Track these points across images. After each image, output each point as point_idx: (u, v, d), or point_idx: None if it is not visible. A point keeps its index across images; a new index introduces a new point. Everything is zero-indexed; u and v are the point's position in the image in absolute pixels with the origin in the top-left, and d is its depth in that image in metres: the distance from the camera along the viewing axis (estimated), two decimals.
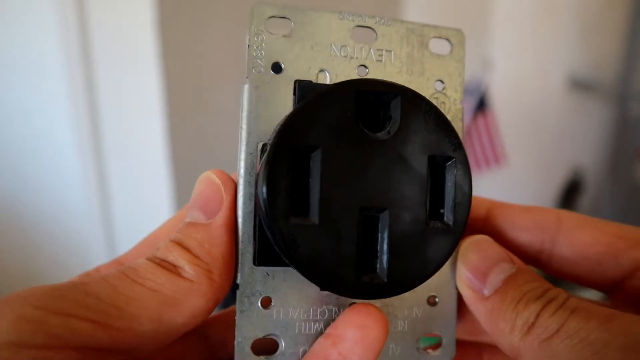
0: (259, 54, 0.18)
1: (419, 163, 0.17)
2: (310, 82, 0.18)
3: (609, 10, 1.74)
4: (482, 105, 1.12)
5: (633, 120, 1.80)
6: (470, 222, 0.20)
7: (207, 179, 0.18)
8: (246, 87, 0.18)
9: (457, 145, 0.18)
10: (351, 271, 0.16)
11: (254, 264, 0.17)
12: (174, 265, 0.16)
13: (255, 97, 0.18)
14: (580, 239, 0.19)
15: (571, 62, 1.60)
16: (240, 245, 0.17)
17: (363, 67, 0.19)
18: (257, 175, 0.17)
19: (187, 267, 0.16)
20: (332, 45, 0.19)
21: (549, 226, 0.20)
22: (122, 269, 0.16)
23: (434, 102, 0.18)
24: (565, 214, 0.20)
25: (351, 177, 0.16)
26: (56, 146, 0.72)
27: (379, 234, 0.17)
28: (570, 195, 1.75)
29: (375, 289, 0.16)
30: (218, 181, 0.18)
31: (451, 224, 0.17)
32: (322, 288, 0.17)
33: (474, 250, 0.18)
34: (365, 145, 0.16)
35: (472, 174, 0.18)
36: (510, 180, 1.37)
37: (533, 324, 0.16)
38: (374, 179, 0.16)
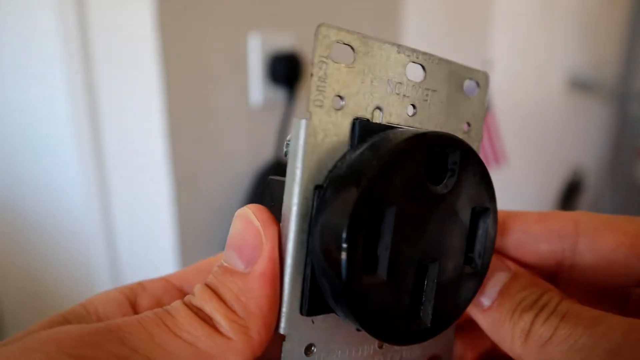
0: (321, 86, 0.16)
1: (465, 215, 0.18)
2: (368, 121, 0.17)
3: (609, 10, 1.74)
4: None
5: (633, 120, 1.80)
6: None
7: (245, 219, 0.17)
8: (304, 122, 0.16)
9: (492, 196, 0.18)
10: (404, 321, 0.17)
11: (301, 313, 0.17)
12: (210, 317, 0.16)
13: (314, 135, 0.16)
14: (601, 243, 0.19)
15: (571, 62, 1.60)
16: (286, 296, 0.16)
17: (412, 107, 0.19)
18: (311, 222, 0.16)
19: (223, 323, 0.15)
20: (389, 81, 0.18)
21: (566, 233, 0.19)
22: (159, 313, 0.16)
23: None
24: (581, 217, 0.19)
25: (415, 232, 0.16)
26: (56, 146, 0.72)
27: (427, 283, 0.17)
28: (570, 195, 1.75)
29: (421, 334, 0.17)
30: (257, 223, 0.16)
31: (479, 267, 0.18)
32: (375, 337, 0.17)
33: None
34: (428, 199, 0.17)
35: None
36: (510, 180, 1.37)
37: (529, 332, 0.17)
38: (431, 232, 0.17)
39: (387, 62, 0.17)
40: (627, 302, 0.21)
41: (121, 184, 0.68)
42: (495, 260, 0.19)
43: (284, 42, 0.67)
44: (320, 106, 0.16)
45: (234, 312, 0.16)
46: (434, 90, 0.19)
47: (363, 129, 0.17)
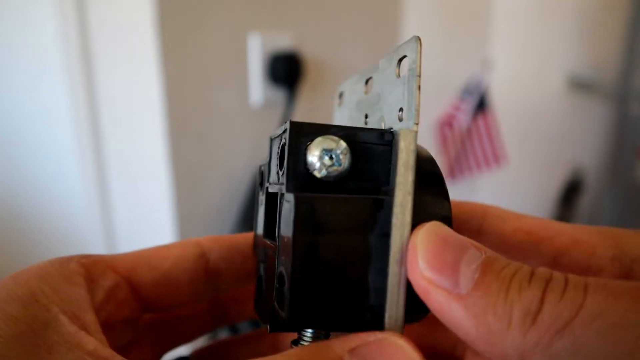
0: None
1: None
2: None
3: (609, 10, 1.74)
4: (482, 106, 1.12)
5: (633, 120, 1.80)
6: None
7: None
8: (415, 133, 0.16)
9: None
10: None
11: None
12: None
13: None
14: (503, 228, 0.19)
15: (571, 62, 1.61)
16: (402, 300, 0.15)
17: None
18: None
19: None
20: None
21: (475, 216, 0.20)
22: None
23: None
24: (491, 206, 0.20)
25: None
26: (56, 146, 0.72)
27: None
28: (570, 195, 1.75)
29: None
30: None
31: None
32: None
33: (433, 241, 0.14)
34: None
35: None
36: (510, 180, 1.37)
37: (538, 312, 0.12)
38: None
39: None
40: None
41: (121, 183, 0.68)
42: (462, 238, 0.15)
43: (283, 42, 0.67)
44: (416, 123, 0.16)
45: None
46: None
47: None
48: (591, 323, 0.12)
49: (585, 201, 1.84)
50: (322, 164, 0.15)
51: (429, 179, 0.17)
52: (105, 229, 0.70)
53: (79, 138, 0.67)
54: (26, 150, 0.76)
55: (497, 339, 0.13)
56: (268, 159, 0.19)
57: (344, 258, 0.15)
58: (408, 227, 0.15)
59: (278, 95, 0.68)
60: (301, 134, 0.15)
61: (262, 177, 0.21)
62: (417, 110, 0.15)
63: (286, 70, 0.66)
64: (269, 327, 0.17)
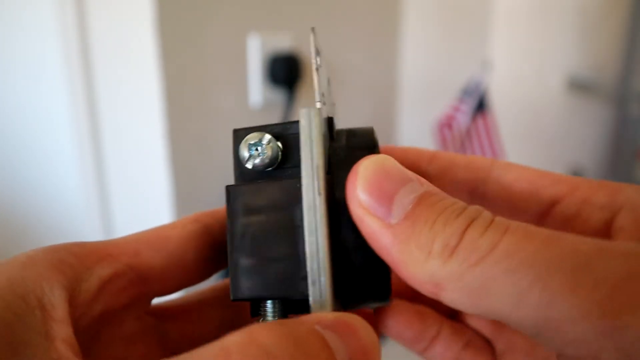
0: (322, 83, 0.19)
1: None
2: (332, 118, 0.21)
3: (608, 11, 1.74)
4: (481, 106, 1.12)
5: (633, 120, 1.80)
6: (415, 164, 0.21)
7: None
8: (317, 110, 0.17)
9: None
10: None
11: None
12: None
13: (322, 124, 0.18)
14: (507, 177, 0.20)
15: (570, 63, 1.61)
16: (329, 281, 0.16)
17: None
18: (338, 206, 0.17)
19: None
20: (329, 85, 0.21)
21: (483, 166, 0.21)
22: None
23: None
24: (498, 160, 0.21)
25: None
26: (56, 146, 0.72)
27: None
28: None
29: None
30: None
31: None
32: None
33: (375, 171, 0.15)
34: None
35: None
36: None
37: (457, 245, 0.13)
38: None
39: (326, 71, 0.20)
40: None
41: (121, 184, 0.68)
42: (405, 171, 0.15)
43: (283, 43, 0.67)
44: (322, 102, 0.17)
45: None
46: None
47: (332, 124, 0.19)
48: (501, 261, 0.12)
49: None
50: (250, 155, 0.17)
51: (355, 147, 0.18)
52: (105, 229, 0.70)
53: (78, 138, 0.67)
54: (26, 151, 0.76)
55: (417, 268, 0.14)
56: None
57: (275, 233, 0.16)
58: (318, 197, 0.16)
59: (277, 96, 0.68)
60: (240, 138, 0.18)
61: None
62: (316, 91, 0.17)
63: (286, 71, 0.66)
64: (231, 294, 0.18)
